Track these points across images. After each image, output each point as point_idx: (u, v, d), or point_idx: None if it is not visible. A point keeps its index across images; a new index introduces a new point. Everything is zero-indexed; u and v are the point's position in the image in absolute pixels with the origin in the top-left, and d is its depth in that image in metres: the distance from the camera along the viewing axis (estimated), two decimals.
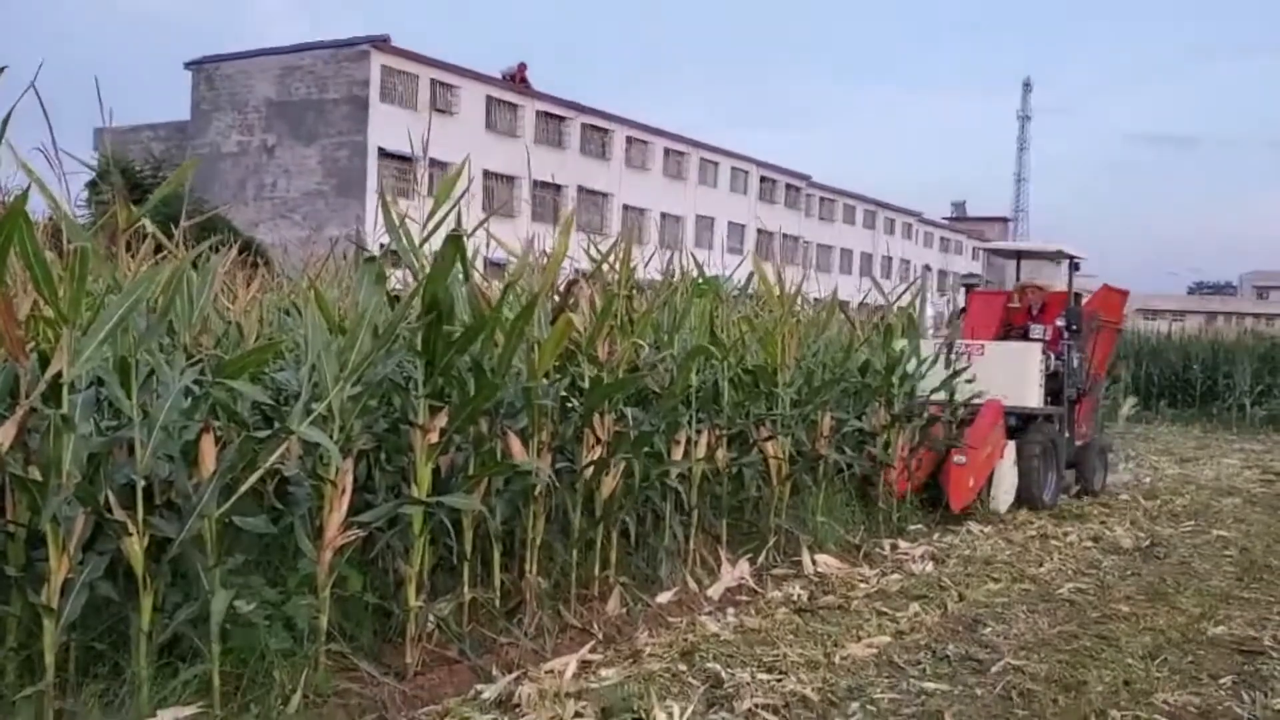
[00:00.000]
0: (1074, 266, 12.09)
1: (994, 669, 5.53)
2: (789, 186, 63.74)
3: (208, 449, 4.27)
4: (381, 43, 41.87)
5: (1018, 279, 13.30)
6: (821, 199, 67.27)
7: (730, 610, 6.43)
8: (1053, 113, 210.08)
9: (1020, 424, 10.90)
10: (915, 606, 6.66)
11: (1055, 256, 12.86)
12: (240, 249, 7.53)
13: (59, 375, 3.74)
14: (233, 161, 43.67)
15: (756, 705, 4.79)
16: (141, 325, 4.17)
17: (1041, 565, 8.16)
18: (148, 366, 4.25)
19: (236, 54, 44.80)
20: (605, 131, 52.01)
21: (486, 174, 42.99)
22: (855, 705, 4.92)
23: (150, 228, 5.12)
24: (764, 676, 5.18)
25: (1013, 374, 10.79)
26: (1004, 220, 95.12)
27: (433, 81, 43.52)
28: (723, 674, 5.15)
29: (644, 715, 4.54)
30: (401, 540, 5.16)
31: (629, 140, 53.31)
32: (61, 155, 4.16)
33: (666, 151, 55.59)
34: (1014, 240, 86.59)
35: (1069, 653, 5.86)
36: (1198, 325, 35.47)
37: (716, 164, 58.82)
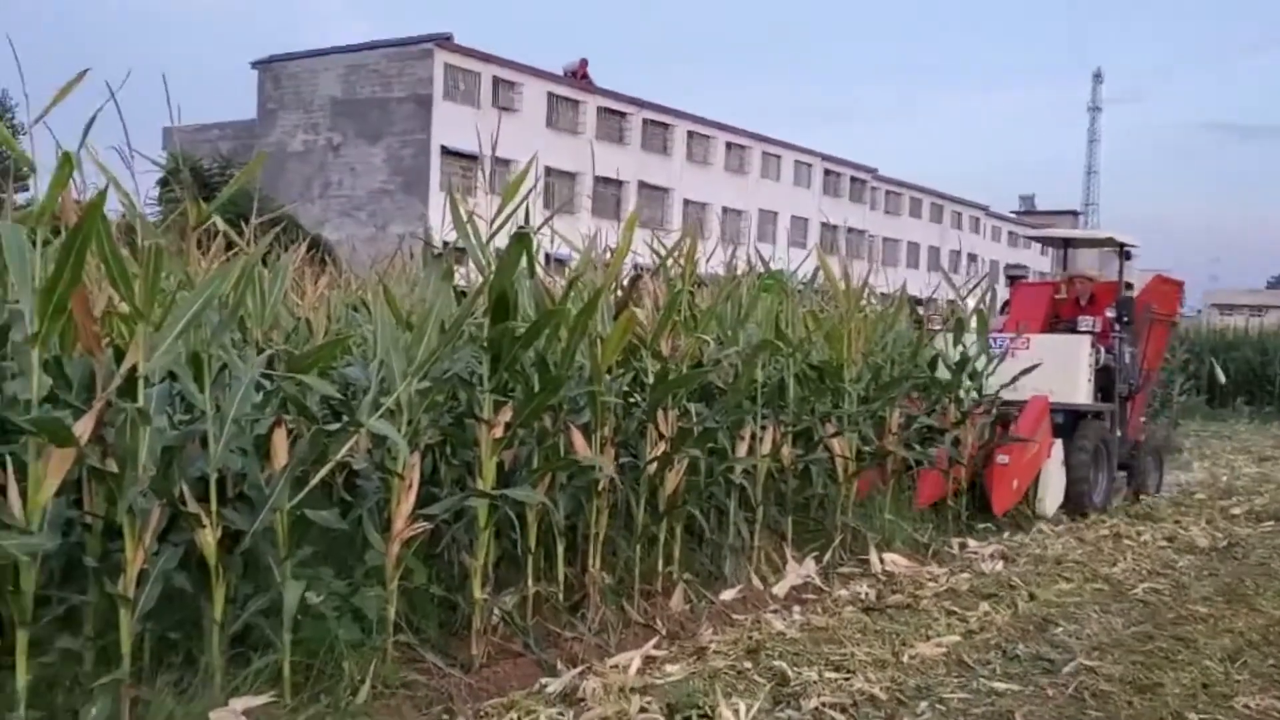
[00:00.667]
0: (1126, 255, 11.44)
1: (1066, 669, 5.42)
2: (854, 180, 63.20)
3: (279, 442, 4.33)
4: (444, 41, 42.27)
5: (1064, 269, 12.63)
6: (887, 192, 66.60)
7: (796, 608, 6.38)
8: (1124, 103, 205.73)
9: (1068, 422, 10.29)
10: (985, 606, 6.55)
11: (1106, 244, 12.18)
12: (308, 246, 7.63)
13: (134, 370, 3.80)
14: (299, 160, 44.38)
15: (823, 704, 4.74)
16: (214, 321, 4.24)
17: (1115, 565, 7.98)
18: (220, 361, 4.32)
19: (302, 53, 45.51)
20: (666, 126, 52.00)
21: (548, 170, 43.19)
22: (924, 704, 4.85)
23: (221, 225, 5.20)
24: (831, 675, 5.13)
25: (1060, 369, 10.00)
26: (1073, 214, 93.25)
27: (495, 79, 43.86)
28: (789, 672, 5.10)
29: (709, 712, 4.51)
30: (467, 533, 5.19)
31: (690, 135, 53.24)
32: (134, 155, 4.24)
33: (728, 145, 55.43)
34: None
35: (1144, 654, 5.72)
36: (1278, 320, 34.53)
37: (779, 157, 58.51)
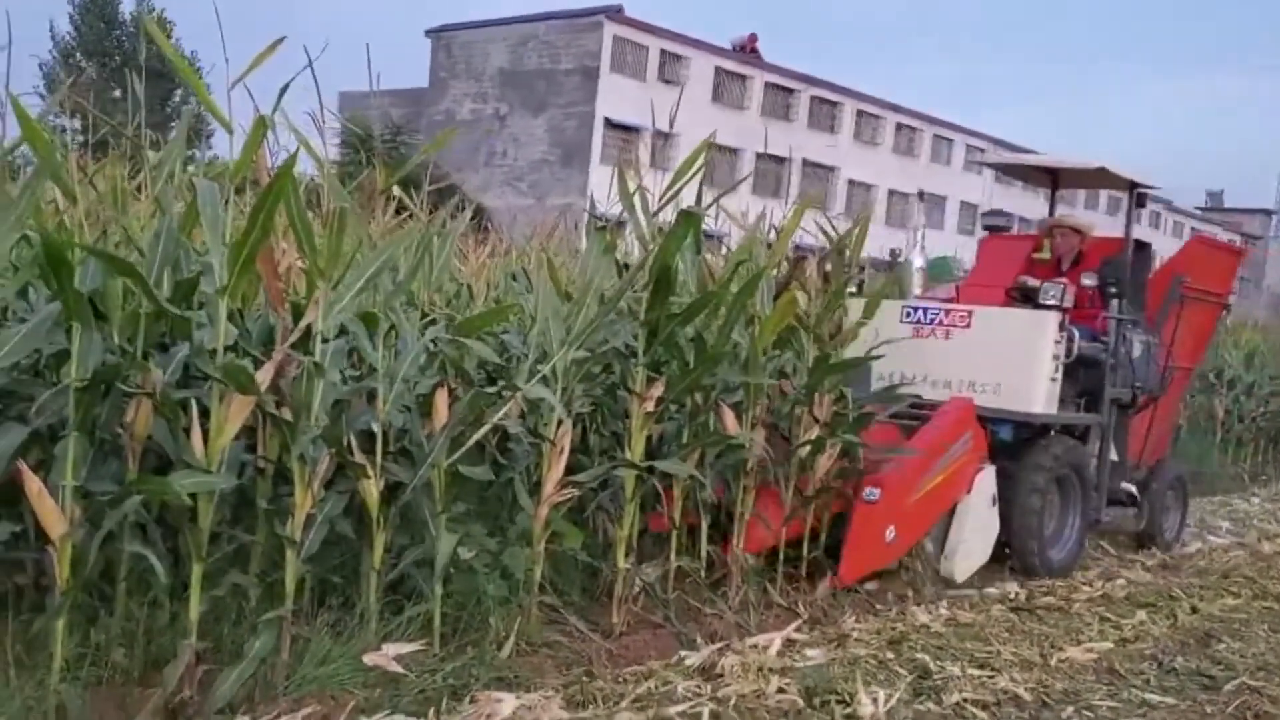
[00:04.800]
0: (1138, 200, 7.92)
1: (1227, 687, 5.16)
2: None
3: (441, 402, 4.49)
4: (614, 13, 42.51)
5: (1052, 215, 8.63)
6: None
7: (943, 603, 6.26)
8: None
9: (1019, 438, 7.07)
10: (1142, 615, 6.29)
11: (1099, 180, 8.76)
12: (470, 215, 7.84)
13: (312, 325, 3.99)
14: (466, 128, 45.46)
15: (965, 699, 4.65)
16: (389, 283, 4.42)
17: None
18: (390, 322, 4.49)
19: (474, 23, 46.42)
20: (835, 105, 51.13)
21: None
22: (1070, 709, 4.71)
23: (396, 191, 5.39)
24: (974, 672, 5.02)
25: (1009, 359, 6.90)
26: (1267, 212, 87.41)
27: (662, 52, 43.91)
28: (931, 665, 5.02)
29: (847, 698, 4.48)
30: (613, 503, 5.27)
31: (859, 114, 52.23)
32: (317, 120, 4.43)
33: (898, 127, 54.14)
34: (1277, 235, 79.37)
35: None
36: None
37: (950, 141, 56.84)
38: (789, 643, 5.20)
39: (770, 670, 4.71)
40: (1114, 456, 7.84)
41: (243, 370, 3.70)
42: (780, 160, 46.50)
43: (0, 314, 3.96)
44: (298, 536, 3.98)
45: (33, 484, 3.36)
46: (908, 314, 7.12)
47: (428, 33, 47.81)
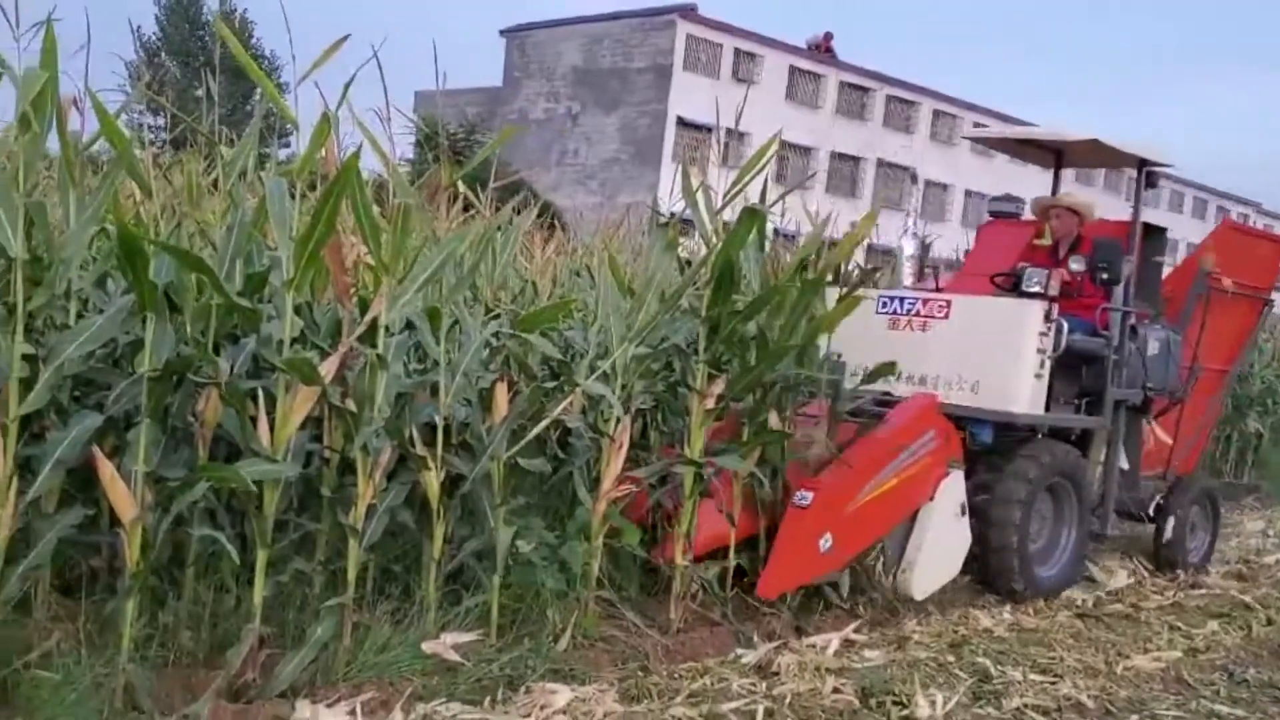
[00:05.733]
0: (1147, 180, 7.10)
1: None
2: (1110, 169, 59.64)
3: (501, 396, 4.54)
4: (688, 11, 42.49)
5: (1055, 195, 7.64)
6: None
7: (1006, 607, 6.17)
8: None
9: (1001, 442, 6.30)
10: (1214, 625, 6.14)
11: (1099, 156, 7.64)
12: (539, 212, 7.92)
13: (376, 319, 4.07)
14: (538, 127, 45.75)
15: (1026, 705, 4.58)
16: (452, 278, 4.49)
17: None
18: (453, 317, 4.56)
19: (548, 22, 46.74)
20: (910, 104, 50.52)
21: (783, 144, 42.82)
22: (1135, 718, 4.62)
23: (462, 188, 5.47)
24: (1036, 677, 4.95)
25: (990, 352, 6.20)
26: None
27: (736, 50, 43.77)
28: (992, 669, 4.96)
29: (905, 700, 4.45)
30: (671, 499, 5.29)
31: (935, 114, 51.54)
32: (383, 117, 4.51)
33: (976, 126, 53.32)
34: None
35: None
36: None
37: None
38: (847, 643, 5.17)
39: (827, 670, 4.69)
40: (1124, 465, 7.10)
41: (308, 362, 3.79)
42: (855, 160, 46.13)
43: (79, 304, 4.09)
44: (360, 526, 4.06)
45: (106, 469, 3.48)
46: (883, 304, 6.50)
47: (502, 32, 48.27)
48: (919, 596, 5.80)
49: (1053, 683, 4.90)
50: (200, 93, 5.25)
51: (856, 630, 5.35)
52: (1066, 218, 7.13)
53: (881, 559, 5.80)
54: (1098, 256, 6.50)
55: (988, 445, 6.24)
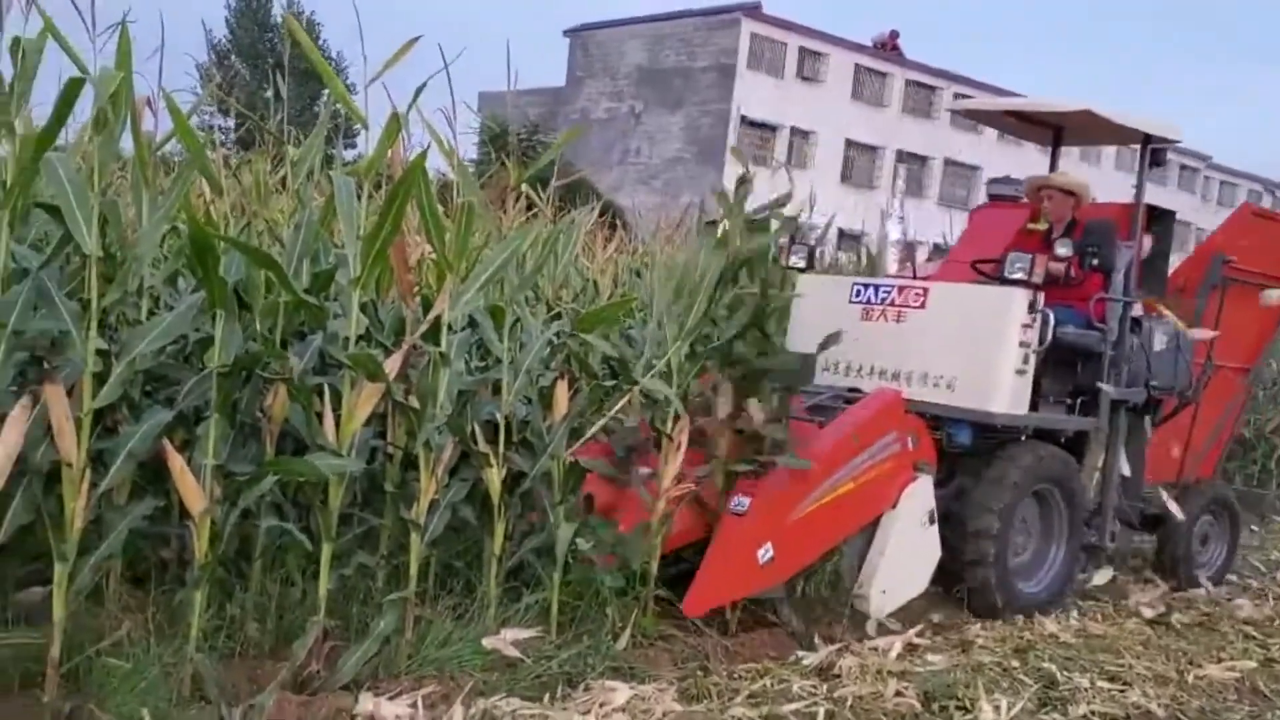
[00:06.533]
0: (1151, 157, 6.42)
1: None
2: (1183, 167, 57.97)
3: (562, 394, 4.56)
4: (752, 10, 42.33)
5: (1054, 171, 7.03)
6: (1221, 183, 60.79)
7: (1074, 613, 6.05)
8: None
9: (980, 443, 5.79)
10: None
11: (1096, 130, 6.83)
12: (601, 211, 7.94)
13: (440, 316, 4.11)
14: (601, 127, 45.86)
15: (1093, 712, 4.49)
16: (514, 277, 4.51)
17: None
18: (515, 315, 4.58)
19: (611, 21, 46.83)
20: None
21: (849, 144, 42.52)
22: None
23: (524, 187, 5.51)
24: (1104, 685, 4.84)
25: (968, 346, 5.63)
26: None
27: (800, 49, 43.50)
28: (1058, 675, 4.86)
29: (968, 705, 4.38)
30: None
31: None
32: (448, 117, 4.55)
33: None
34: None
35: None
36: None
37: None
38: (910, 647, 5.11)
39: (889, 673, 4.63)
40: (1125, 470, 6.51)
41: (372, 359, 3.83)
42: (922, 159, 45.61)
43: (150, 301, 4.19)
44: (422, 521, 4.10)
45: (176, 462, 3.55)
46: (856, 293, 5.95)
47: (566, 32, 48.48)
48: (877, 614, 5.25)
49: (1121, 690, 4.79)
50: (269, 94, 5.34)
51: (919, 634, 5.28)
52: (1060, 199, 6.49)
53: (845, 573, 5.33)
54: (1087, 240, 5.98)
55: (966, 447, 5.74)
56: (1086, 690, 4.72)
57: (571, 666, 4.25)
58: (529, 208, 6.30)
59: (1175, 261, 7.19)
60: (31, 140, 3.19)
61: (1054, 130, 7.07)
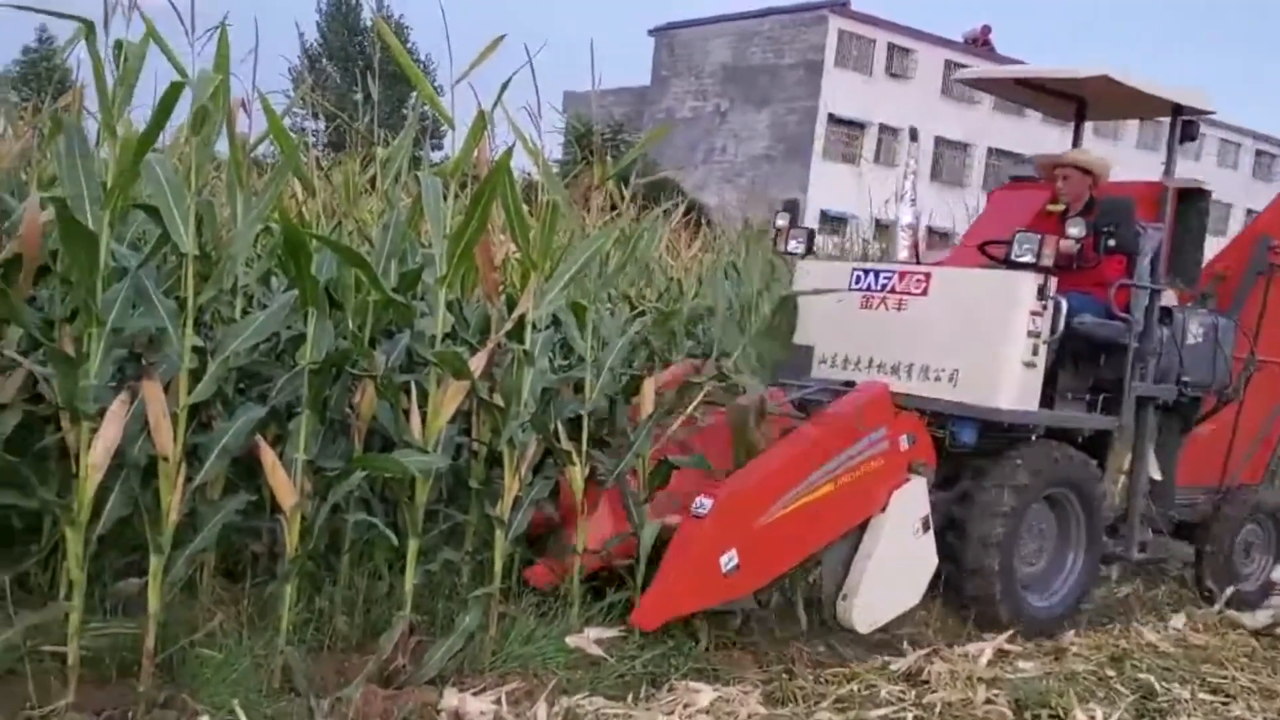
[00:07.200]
0: (1186, 131, 5.93)
1: None
2: (1225, 141, 55.50)
3: (647, 392, 4.55)
4: (840, 6, 41.93)
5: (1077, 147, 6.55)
6: (1275, 157, 58.07)
7: (1174, 621, 5.85)
8: None
9: (984, 441, 5.28)
10: None
11: (1124, 105, 6.42)
12: (685, 210, 7.92)
13: (524, 315, 4.13)
14: (686, 125, 45.79)
15: None
16: (597, 275, 4.52)
17: None
18: (598, 313, 4.58)
19: (696, 20, 46.76)
20: None
21: (938, 141, 41.84)
22: None
23: (608, 186, 5.51)
24: (1205, 696, 4.67)
25: (971, 336, 5.18)
26: None
27: (889, 45, 42.96)
28: (1156, 686, 4.70)
29: (1061, 714, 4.25)
30: None
31: None
32: (533, 116, 4.57)
33: (1140, 121, 50.87)
34: None
35: None
36: None
37: (1203, 135, 52.76)
38: (1000, 653, 4.98)
39: (979, 679, 4.53)
40: (1155, 474, 6.01)
41: (458, 357, 3.87)
42: (1014, 157, 44.67)
43: (244, 300, 4.27)
44: (506, 517, 4.13)
45: (269, 457, 3.62)
46: (857, 279, 5.49)
47: (651, 31, 48.54)
48: (862, 628, 4.76)
49: (1224, 703, 4.62)
50: (358, 96, 5.43)
51: (1010, 640, 5.15)
52: (1076, 178, 5.93)
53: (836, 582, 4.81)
54: (1101, 219, 5.46)
55: (970, 447, 5.23)
56: (1186, 702, 4.56)
57: (655, 666, 4.23)
58: (612, 207, 6.31)
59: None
60: (132, 142, 3.27)
61: (1076, 104, 6.55)
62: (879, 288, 5.39)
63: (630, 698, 4.00)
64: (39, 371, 3.43)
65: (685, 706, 3.95)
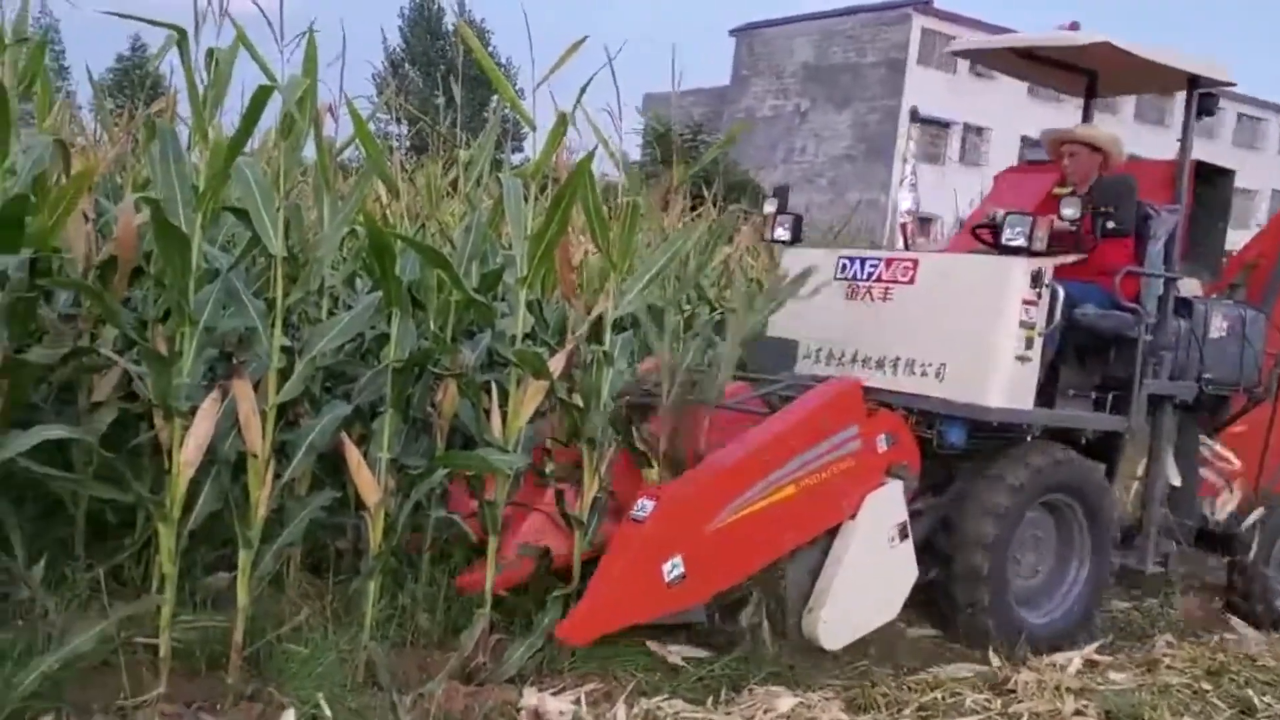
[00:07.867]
0: (1203, 106, 5.46)
1: None
2: (1243, 117, 52.98)
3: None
4: (923, 5, 41.38)
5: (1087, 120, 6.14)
6: None
7: (1276, 634, 5.65)
8: None
9: (972, 441, 4.86)
10: None
11: (1136, 78, 6.00)
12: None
13: (603, 316, 4.13)
14: (766, 125, 45.54)
15: None
16: (676, 276, 4.50)
17: None
18: (677, 314, 4.57)
19: (778, 20, 46.50)
20: (1163, 98, 47.27)
21: (1024, 140, 41.02)
22: None
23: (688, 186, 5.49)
24: None
25: (958, 327, 4.75)
26: None
27: None
28: (1256, 701, 4.53)
29: None
30: None
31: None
32: (613, 117, 4.57)
33: (1239, 117, 49.17)
34: None
35: None
36: None
37: (1221, 109, 50.46)
38: (1090, 663, 4.85)
39: (1068, 690, 4.41)
40: (1174, 480, 5.53)
41: (538, 357, 3.89)
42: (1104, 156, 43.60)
43: (330, 301, 4.35)
44: (584, 517, 4.13)
45: (353, 455, 3.68)
46: (842, 268, 5.09)
47: (732, 32, 48.41)
48: (831, 644, 4.35)
49: None
50: (440, 100, 5.48)
51: (1100, 649, 5.02)
52: (1084, 156, 5.44)
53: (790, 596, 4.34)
54: (1099, 198, 4.97)
55: (960, 449, 4.83)
56: None
57: (734, 671, 4.20)
58: (693, 208, 6.29)
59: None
60: (223, 147, 3.34)
61: (1086, 78, 6.04)
62: (865, 277, 5.01)
63: (710, 701, 3.97)
64: (133, 370, 3.52)
65: (765, 712, 3.91)
